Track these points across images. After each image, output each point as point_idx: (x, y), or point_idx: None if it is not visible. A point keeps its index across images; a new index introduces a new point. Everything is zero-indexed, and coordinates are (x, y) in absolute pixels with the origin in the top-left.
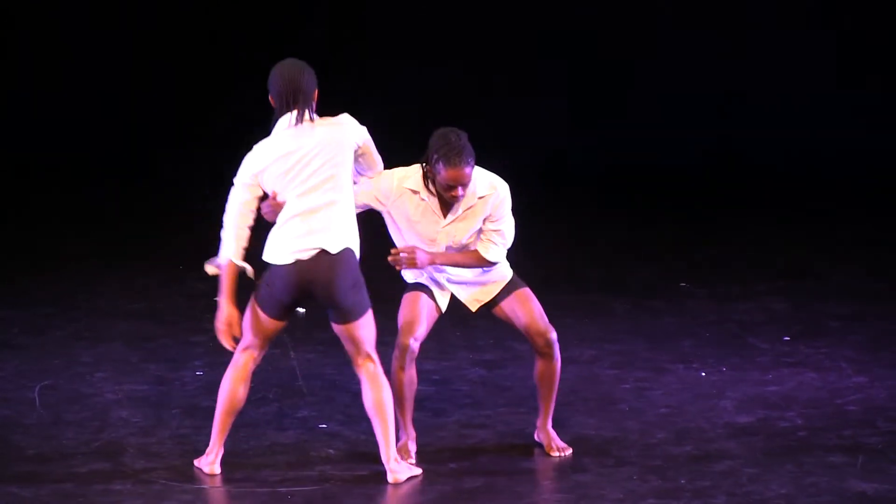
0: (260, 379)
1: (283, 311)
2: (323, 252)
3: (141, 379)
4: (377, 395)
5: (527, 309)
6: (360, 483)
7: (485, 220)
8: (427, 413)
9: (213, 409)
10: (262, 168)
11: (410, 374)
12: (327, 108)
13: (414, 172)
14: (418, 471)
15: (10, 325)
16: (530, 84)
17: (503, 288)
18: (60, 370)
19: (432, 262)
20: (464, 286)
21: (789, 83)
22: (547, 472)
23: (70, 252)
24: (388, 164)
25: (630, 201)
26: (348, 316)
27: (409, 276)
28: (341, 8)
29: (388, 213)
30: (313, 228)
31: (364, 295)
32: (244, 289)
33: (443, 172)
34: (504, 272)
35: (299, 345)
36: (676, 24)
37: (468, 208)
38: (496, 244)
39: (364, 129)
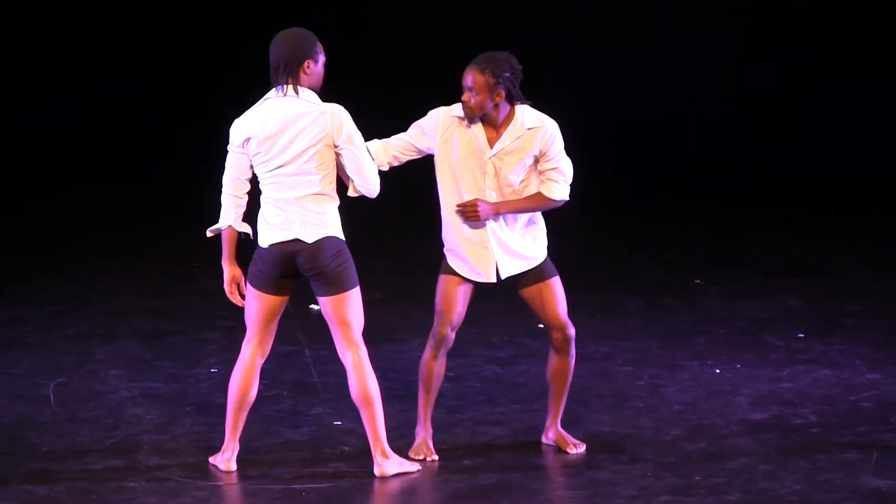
0: (274, 376)
1: (274, 285)
2: (298, 241)
3: (155, 376)
4: (362, 384)
5: (552, 299)
6: (375, 480)
7: (539, 161)
8: (441, 410)
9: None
10: (245, 136)
11: (441, 365)
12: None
13: (459, 105)
14: (413, 467)
15: (23, 324)
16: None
17: (536, 269)
18: (74, 368)
19: (496, 213)
20: (506, 254)
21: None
22: (561, 468)
23: (83, 250)
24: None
25: (644, 198)
26: (334, 285)
27: (453, 261)
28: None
29: (437, 151)
30: (288, 220)
31: (351, 269)
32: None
33: (466, 80)
34: (542, 249)
35: (313, 342)
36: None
37: (516, 139)
38: (558, 182)
39: (353, 130)
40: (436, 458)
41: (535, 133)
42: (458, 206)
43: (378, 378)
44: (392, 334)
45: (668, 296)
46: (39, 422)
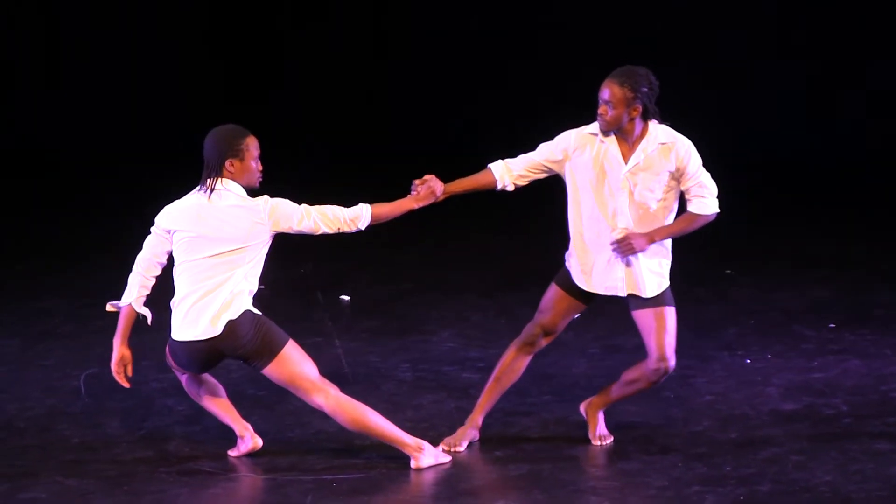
0: None
1: (202, 369)
2: (209, 338)
3: None
4: (350, 417)
5: (660, 329)
6: (405, 470)
7: (679, 181)
8: (472, 401)
9: (259, 396)
10: (172, 229)
11: (518, 361)
12: None
13: (591, 125)
14: (446, 458)
15: (53, 315)
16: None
17: (655, 297)
18: (105, 359)
19: (651, 241)
20: (634, 271)
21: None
22: (591, 459)
23: (113, 241)
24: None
25: None
26: (264, 359)
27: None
28: None
29: (569, 172)
30: (197, 318)
31: (273, 335)
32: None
33: (603, 94)
34: (665, 276)
35: (344, 333)
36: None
37: (650, 153)
38: (704, 196)
39: (279, 212)
40: (459, 449)
41: (669, 149)
42: (613, 243)
43: (408, 369)
44: (422, 326)
45: (699, 286)
46: (70, 413)
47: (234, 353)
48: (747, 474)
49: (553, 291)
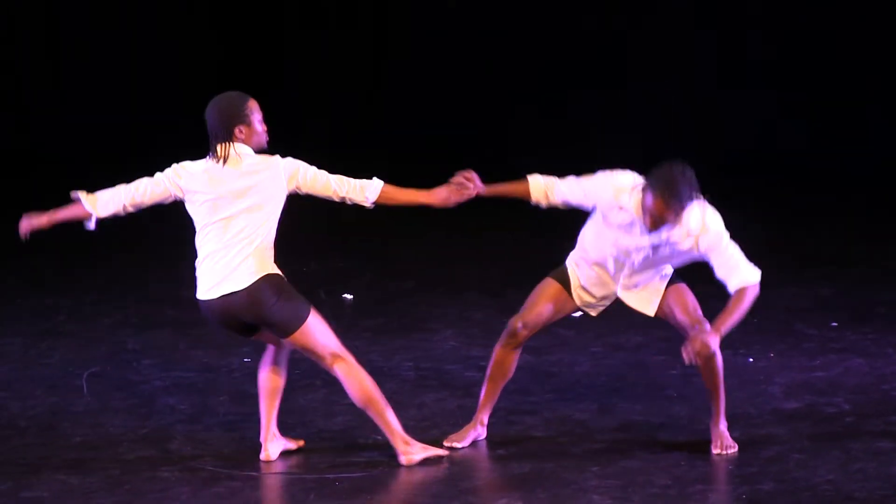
0: (308, 366)
1: (234, 332)
2: (231, 293)
3: (188, 366)
4: (359, 386)
5: (682, 303)
6: (408, 469)
7: (713, 266)
8: (474, 399)
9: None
10: (190, 189)
11: (507, 357)
12: None
13: (629, 186)
14: (439, 451)
15: (57, 313)
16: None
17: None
18: (108, 357)
19: (721, 336)
20: (634, 291)
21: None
22: (594, 457)
23: (117, 238)
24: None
25: None
26: (288, 328)
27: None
28: None
29: (595, 213)
30: (220, 275)
31: (296, 304)
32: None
33: (649, 202)
34: (667, 270)
35: (346, 332)
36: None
37: (674, 237)
38: (742, 270)
39: (294, 166)
40: (457, 446)
41: (697, 238)
42: (692, 358)
43: (410, 368)
44: (424, 324)
45: (702, 284)
46: (72, 411)
47: (257, 319)
48: (749, 473)
49: (543, 283)
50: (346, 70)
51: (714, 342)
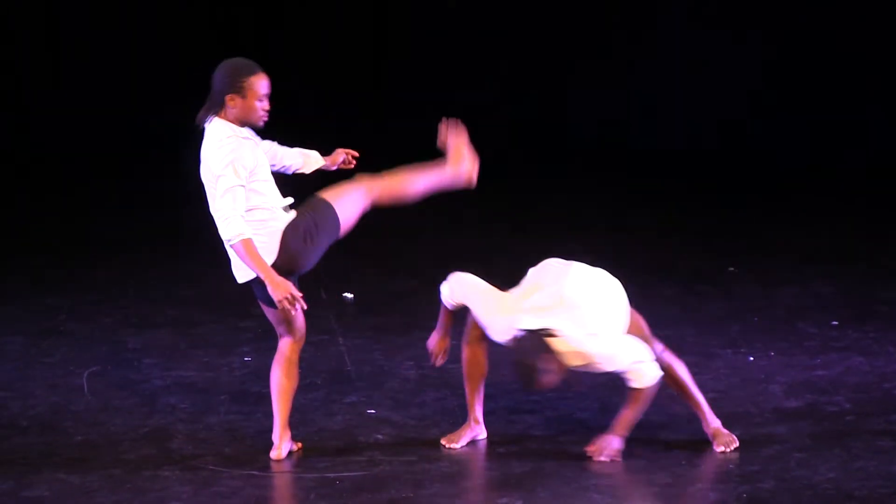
0: (308, 365)
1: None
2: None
3: (189, 365)
4: (388, 193)
5: (635, 326)
6: (409, 468)
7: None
8: None
9: (263, 393)
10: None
11: (475, 352)
12: None
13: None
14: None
15: (58, 312)
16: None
17: None
18: (108, 356)
19: (623, 437)
20: None
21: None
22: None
23: (118, 238)
24: None
25: (678, 185)
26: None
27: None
28: None
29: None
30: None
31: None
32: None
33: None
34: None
35: (348, 330)
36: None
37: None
38: (633, 369)
39: (218, 156)
40: (455, 446)
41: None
42: (592, 455)
43: (412, 367)
44: (426, 323)
45: (703, 283)
46: (73, 410)
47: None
48: (750, 471)
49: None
50: (346, 70)
51: (618, 445)
